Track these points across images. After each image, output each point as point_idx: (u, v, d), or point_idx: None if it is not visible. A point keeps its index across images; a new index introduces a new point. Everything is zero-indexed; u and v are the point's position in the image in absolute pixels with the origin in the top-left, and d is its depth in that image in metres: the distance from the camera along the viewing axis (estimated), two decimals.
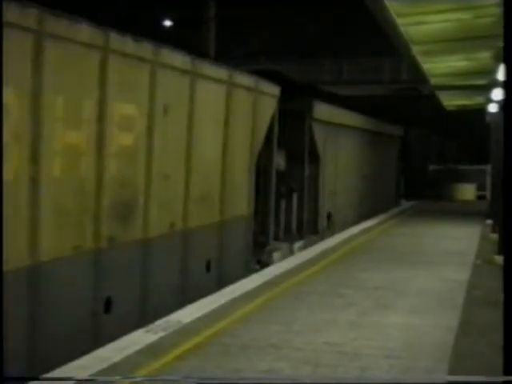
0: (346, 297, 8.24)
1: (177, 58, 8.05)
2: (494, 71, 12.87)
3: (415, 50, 12.32)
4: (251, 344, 6.13)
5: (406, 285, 9.20)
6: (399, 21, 9.92)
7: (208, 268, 9.12)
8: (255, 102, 10.53)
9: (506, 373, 3.53)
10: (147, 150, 7.42)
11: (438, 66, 14.76)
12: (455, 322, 7.12)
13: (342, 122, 15.92)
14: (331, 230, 14.86)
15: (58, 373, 5.26)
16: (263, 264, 10.96)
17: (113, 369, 5.34)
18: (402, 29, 10.47)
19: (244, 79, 10.24)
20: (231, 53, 26.84)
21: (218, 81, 9.23)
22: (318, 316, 7.25)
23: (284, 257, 11.63)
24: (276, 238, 12.14)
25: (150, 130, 7.45)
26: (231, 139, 9.68)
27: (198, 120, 8.62)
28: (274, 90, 11.40)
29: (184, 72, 8.21)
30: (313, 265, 10.54)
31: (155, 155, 7.56)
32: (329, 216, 14.94)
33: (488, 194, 23.87)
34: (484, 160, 25.15)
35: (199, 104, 8.60)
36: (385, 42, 13.89)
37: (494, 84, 14.13)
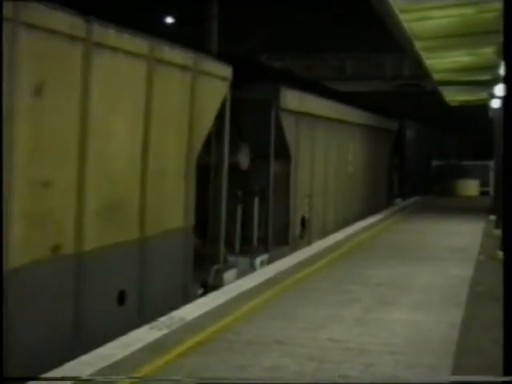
0: (350, 293, 8.23)
1: (56, 17, 5.76)
2: (496, 66, 12.86)
3: (418, 45, 12.31)
4: (256, 340, 6.13)
5: (409, 281, 9.19)
6: (402, 16, 9.92)
7: (121, 300, 6.96)
8: (194, 85, 8.20)
9: (506, 373, 3.53)
10: (7, 147, 5.14)
11: (441, 62, 14.75)
12: (459, 318, 7.12)
13: (321, 113, 13.75)
14: (306, 238, 12.87)
15: (60, 370, 5.26)
16: (210, 287, 8.85)
17: (116, 366, 5.35)
18: (405, 24, 10.47)
19: (175, 54, 7.77)
20: (233, 50, 26.79)
21: (133, 54, 6.94)
22: (322, 312, 7.25)
23: (242, 275, 9.63)
24: (233, 252, 10.20)
25: (9, 118, 5.20)
26: (156, 133, 7.42)
27: (99, 106, 6.39)
28: (222, 70, 9.05)
29: (72, 38, 5.96)
30: (314, 263, 10.54)
31: (21, 154, 5.41)
32: (303, 222, 12.83)
33: (491, 189, 23.83)
34: (487, 156, 25.10)
35: (100, 84, 6.37)
36: (387, 38, 13.86)
37: (497, 79, 14.11)
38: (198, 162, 8.47)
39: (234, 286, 8.50)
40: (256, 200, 10.92)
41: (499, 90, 14.70)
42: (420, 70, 16.99)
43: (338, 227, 15.01)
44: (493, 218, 16.19)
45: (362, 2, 11.66)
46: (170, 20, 28.77)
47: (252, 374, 5.27)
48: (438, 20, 10.54)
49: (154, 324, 6.58)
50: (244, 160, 10.56)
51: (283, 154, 11.63)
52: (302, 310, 7.34)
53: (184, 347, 5.86)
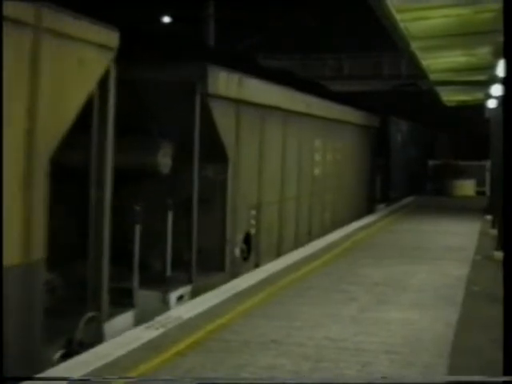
0: (346, 292, 8.25)
1: None
2: (493, 67, 12.88)
3: (415, 45, 12.33)
4: (252, 340, 6.14)
5: (405, 280, 9.21)
6: (399, 16, 9.93)
7: None
8: (37, 50, 5.42)
9: (506, 373, 3.54)
10: None
11: (438, 62, 14.78)
12: (455, 318, 7.14)
13: (274, 103, 10.92)
14: (253, 260, 10.29)
15: (58, 369, 5.27)
16: (79, 345, 6.09)
17: (113, 365, 5.35)
18: (402, 24, 10.48)
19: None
20: (230, 49, 26.79)
21: None
22: (319, 311, 7.26)
23: (149, 316, 6.84)
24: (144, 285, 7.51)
25: None
26: None
27: None
28: (99, 34, 6.22)
29: None
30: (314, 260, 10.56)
31: None
32: (247, 240, 10.09)
33: (487, 189, 23.89)
34: (483, 156, 25.16)
35: None
36: (385, 38, 13.88)
37: (494, 80, 14.14)
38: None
39: (230, 286, 8.51)
40: (169, 215, 8.08)
41: (496, 90, 14.75)
42: (417, 70, 17.01)
43: (299, 243, 12.22)
44: (489, 217, 16.24)
45: (359, 2, 11.68)
46: (167, 19, 28.78)
47: (249, 374, 5.28)
48: (435, 20, 10.56)
49: (150, 323, 6.58)
50: (164, 162, 8.24)
51: (217, 154, 9.03)
52: (298, 309, 7.35)
53: (180, 346, 5.87)
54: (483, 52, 13.21)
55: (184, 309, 7.26)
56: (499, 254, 10.26)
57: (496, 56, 12.02)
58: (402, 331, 6.59)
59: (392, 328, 6.69)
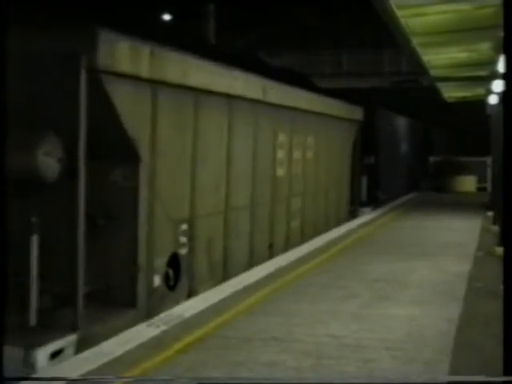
0: (347, 289, 8.25)
1: None
2: (494, 62, 12.85)
3: (415, 41, 12.29)
4: (253, 337, 6.14)
5: (407, 277, 9.21)
6: (399, 12, 9.90)
7: None
8: None
9: (506, 373, 3.53)
10: None
11: (438, 58, 14.74)
12: (456, 314, 7.13)
13: (213, 86, 8.56)
14: (184, 289, 8.01)
15: (59, 367, 5.27)
16: None
17: (115, 363, 5.36)
18: (402, 20, 10.44)
19: None
20: (230, 46, 26.79)
21: None
22: (320, 308, 7.26)
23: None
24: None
25: None
26: None
27: None
28: None
29: None
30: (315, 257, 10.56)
31: None
32: (175, 263, 7.81)
33: (489, 185, 23.87)
34: (484, 152, 25.13)
35: None
36: (385, 34, 13.86)
37: (495, 75, 14.11)
38: None
39: (230, 284, 8.51)
40: (34, 240, 5.87)
41: (497, 85, 14.72)
42: (417, 66, 16.98)
43: (256, 260, 10.16)
44: (490, 214, 16.22)
45: None
46: (167, 17, 28.76)
47: (249, 370, 5.27)
48: (435, 16, 10.52)
49: (152, 321, 6.58)
50: (46, 164, 6.18)
51: (125, 153, 6.89)
52: (298, 306, 7.35)
53: (182, 344, 5.87)
54: (484, 47, 13.18)
55: (186, 307, 7.26)
56: (501, 250, 10.25)
57: (497, 51, 11.99)
58: (403, 327, 6.59)
59: (393, 324, 6.69)
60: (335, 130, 15.33)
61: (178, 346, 5.81)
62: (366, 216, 17.01)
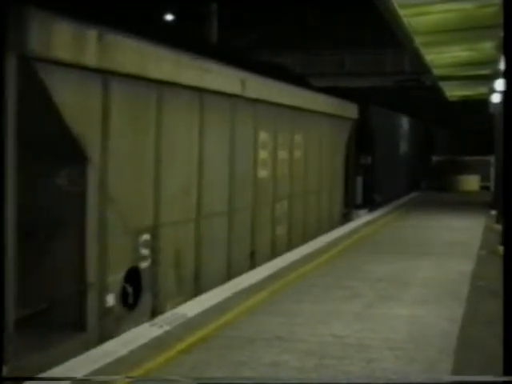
0: (350, 289, 8.24)
1: None
2: (497, 61, 12.84)
3: (418, 40, 12.28)
4: (256, 336, 6.14)
5: (410, 276, 9.20)
6: (401, 11, 9.89)
7: None
8: None
9: (506, 373, 3.53)
10: None
11: (441, 57, 14.72)
12: (459, 313, 7.12)
13: (179, 78, 7.63)
14: (145, 306, 7.11)
15: (63, 366, 5.27)
16: None
17: (118, 363, 5.36)
18: (405, 19, 10.44)
19: None
20: (232, 46, 26.81)
21: None
22: (323, 308, 7.26)
23: None
24: None
25: None
26: None
27: None
28: None
29: None
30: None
31: None
32: (133, 278, 6.91)
33: (492, 184, 23.84)
34: (488, 151, 25.09)
35: None
36: (387, 33, 13.84)
37: (497, 74, 14.09)
38: None
39: (234, 283, 8.51)
40: None
41: (499, 84, 14.70)
42: (420, 66, 16.96)
43: (235, 270, 9.22)
44: (493, 212, 16.20)
45: None
46: (169, 17, 28.78)
47: (252, 370, 5.27)
48: (438, 15, 10.52)
49: (155, 321, 6.59)
50: None
51: (71, 153, 6.05)
52: (301, 306, 7.35)
53: (185, 344, 5.87)
54: (487, 46, 13.16)
55: (189, 307, 7.26)
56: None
57: (499, 50, 11.96)
58: (406, 327, 6.58)
59: (396, 324, 6.68)
60: (327, 128, 14.32)
61: (180, 346, 5.81)
62: (367, 216, 16.90)
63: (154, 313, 7.12)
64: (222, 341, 6.02)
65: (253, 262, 10.03)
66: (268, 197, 10.94)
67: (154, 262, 7.29)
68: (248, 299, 7.59)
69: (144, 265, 7.10)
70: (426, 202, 21.68)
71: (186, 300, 7.55)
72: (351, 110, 16.14)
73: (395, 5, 9.44)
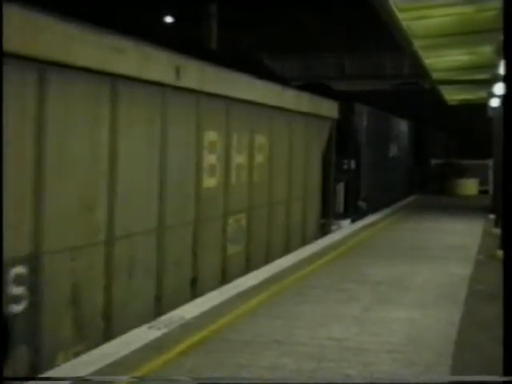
0: (349, 291, 8.24)
1: None
2: (496, 65, 12.86)
3: (417, 44, 12.31)
4: (255, 339, 6.14)
5: (408, 279, 9.20)
6: (401, 15, 9.92)
7: None
8: None
9: (506, 373, 3.53)
10: None
11: (440, 61, 14.76)
12: (458, 317, 7.13)
13: (67, 59, 5.79)
14: (21, 366, 5.41)
15: (61, 369, 5.27)
16: None
17: (116, 365, 5.36)
18: (404, 23, 10.47)
19: None
20: (232, 49, 26.84)
21: None
22: (321, 311, 7.26)
23: None
24: None
25: None
26: None
27: None
28: None
29: None
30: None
31: None
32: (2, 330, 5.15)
33: (490, 188, 23.86)
34: (486, 154, 25.12)
35: None
36: (387, 37, 13.86)
37: (496, 78, 14.11)
38: None
39: (232, 286, 8.51)
40: None
41: (498, 88, 14.72)
42: (419, 69, 16.98)
43: (165, 305, 7.42)
44: (492, 216, 16.21)
45: (361, 1, 11.67)
46: (169, 19, 28.82)
47: (251, 373, 5.27)
48: (437, 19, 10.54)
49: (153, 323, 6.59)
50: None
51: None
52: (300, 308, 7.35)
53: (183, 346, 5.87)
54: (486, 50, 13.19)
55: (187, 309, 7.26)
56: (502, 253, 10.23)
57: (499, 54, 11.99)
58: (404, 330, 6.58)
59: (394, 327, 6.68)
60: (299, 127, 12.43)
61: (179, 348, 5.81)
62: (369, 218, 16.86)
63: (37, 368, 5.49)
64: (220, 343, 6.01)
65: (194, 291, 8.23)
66: (217, 210, 9.03)
67: (34, 304, 5.51)
68: (247, 301, 7.58)
69: (16, 309, 5.35)
70: (425, 206, 21.69)
71: (90, 347, 5.94)
72: (330, 109, 14.22)
73: (394, 8, 9.47)
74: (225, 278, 9.12)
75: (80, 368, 5.24)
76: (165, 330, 6.33)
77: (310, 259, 10.62)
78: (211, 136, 8.81)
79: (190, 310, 7.13)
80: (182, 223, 8.09)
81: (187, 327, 6.47)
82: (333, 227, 14.68)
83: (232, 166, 9.51)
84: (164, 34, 11.12)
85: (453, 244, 12.84)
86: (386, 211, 19.16)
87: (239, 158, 9.77)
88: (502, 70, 12.04)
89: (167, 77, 7.47)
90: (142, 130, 7.20)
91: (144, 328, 6.44)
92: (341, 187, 15.95)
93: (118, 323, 6.62)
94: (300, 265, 10.08)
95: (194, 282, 8.34)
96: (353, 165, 16.75)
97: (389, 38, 13.33)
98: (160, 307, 7.39)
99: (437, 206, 21.61)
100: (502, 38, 9.64)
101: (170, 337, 6.14)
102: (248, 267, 9.90)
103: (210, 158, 8.80)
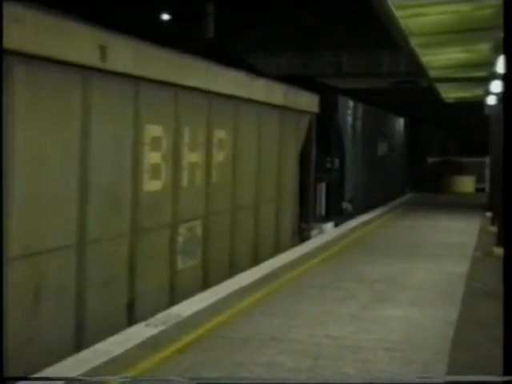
0: (345, 290, 8.24)
1: None
2: (493, 63, 12.86)
3: (414, 42, 12.30)
4: (252, 337, 6.13)
5: (405, 278, 9.20)
6: (398, 13, 9.91)
7: None
8: None
9: (506, 373, 3.53)
10: None
11: (437, 59, 14.75)
12: (455, 315, 7.13)
13: None
14: None
15: (56, 368, 5.26)
16: None
17: (113, 363, 5.35)
18: (401, 21, 10.46)
19: None
20: (230, 47, 26.82)
21: None
22: (318, 309, 7.25)
23: None
24: None
25: None
26: None
27: None
28: None
29: None
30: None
31: None
32: None
33: (487, 186, 23.90)
34: (483, 152, 25.15)
35: None
36: (384, 35, 13.86)
37: (493, 76, 14.12)
38: None
39: (229, 283, 8.50)
40: None
41: (495, 86, 14.72)
42: (416, 67, 16.98)
43: (89, 338, 6.18)
44: (489, 214, 16.23)
45: (359, 0, 11.64)
46: (166, 17, 28.77)
47: (248, 371, 5.27)
48: (434, 16, 10.54)
49: (150, 321, 6.57)
50: None
51: None
52: (297, 307, 7.34)
53: (180, 344, 5.86)
54: (483, 48, 13.19)
55: (184, 307, 7.24)
56: (499, 251, 10.25)
57: (496, 52, 11.99)
58: (401, 328, 6.58)
59: (392, 325, 6.68)
60: (270, 122, 11.09)
61: (176, 346, 5.80)
62: (366, 215, 16.84)
63: None
64: (217, 341, 6.00)
65: (132, 316, 7.00)
66: (163, 217, 7.70)
67: None
68: (244, 299, 7.57)
69: None
70: (421, 204, 21.71)
71: None
72: (310, 102, 12.80)
73: (392, 6, 9.45)
74: (174, 298, 7.72)
75: (76, 366, 5.23)
76: (162, 328, 6.31)
77: (306, 258, 10.60)
78: (154, 130, 7.47)
79: (187, 308, 7.11)
80: (112, 235, 6.74)
81: (184, 325, 6.45)
82: (313, 232, 13.26)
83: (183, 165, 8.12)
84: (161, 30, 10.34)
85: (450, 242, 12.85)
86: (383, 209, 19.16)
87: (193, 157, 8.37)
88: (498, 68, 12.04)
89: (89, 57, 6.17)
90: (50, 120, 5.87)
91: (141, 326, 6.42)
92: (322, 188, 14.75)
93: (18, 365, 5.20)
94: (297, 263, 10.07)
95: (130, 305, 6.98)
96: (336, 163, 15.43)
97: (386, 36, 13.32)
98: (81, 338, 6.19)
99: (434, 204, 21.63)
100: (498, 35, 9.66)
101: (167, 334, 6.13)
102: (206, 282, 8.53)
103: (153, 157, 7.45)
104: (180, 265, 8.05)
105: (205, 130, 8.74)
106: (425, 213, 18.64)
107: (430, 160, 29.72)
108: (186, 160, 8.20)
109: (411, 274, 9.45)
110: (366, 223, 15.57)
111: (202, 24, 25.87)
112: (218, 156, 9.15)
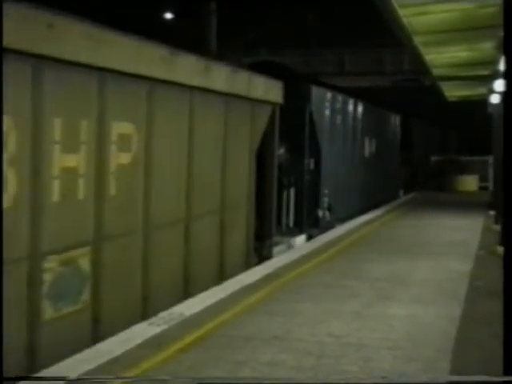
0: (349, 288, 8.23)
1: None
2: (496, 62, 12.85)
3: (417, 40, 12.29)
4: (254, 336, 6.12)
5: (408, 276, 9.19)
6: (401, 11, 9.90)
7: None
8: None
9: (506, 373, 3.52)
10: None
11: (441, 57, 14.73)
12: (458, 313, 7.12)
13: None
14: None
15: (58, 367, 5.25)
16: None
17: (115, 362, 5.34)
18: (404, 19, 10.44)
19: None
20: (231, 45, 26.80)
21: None
22: (321, 307, 7.25)
23: None
24: None
25: None
26: None
27: None
28: None
29: None
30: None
31: None
32: None
33: (490, 184, 23.86)
34: (486, 151, 25.10)
35: None
36: (387, 33, 13.83)
37: (497, 74, 14.10)
38: None
39: (232, 282, 8.49)
40: None
41: (498, 85, 14.69)
42: (419, 66, 16.95)
43: None
44: (492, 213, 16.20)
45: None
46: (168, 15, 28.78)
47: (251, 370, 5.26)
48: (438, 15, 10.52)
49: (152, 320, 6.58)
50: None
51: None
52: (300, 305, 7.33)
53: (183, 343, 5.86)
54: (486, 47, 13.16)
55: (187, 306, 7.24)
56: (502, 249, 10.23)
57: (499, 51, 11.97)
58: (404, 327, 6.57)
59: (394, 323, 6.67)
60: (210, 113, 8.67)
61: (178, 345, 5.80)
62: (368, 215, 16.79)
63: None
64: (220, 340, 6.00)
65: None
66: (15, 248, 5.28)
67: None
68: (246, 298, 7.57)
69: None
70: (426, 202, 21.67)
71: None
72: (270, 90, 10.39)
73: (395, 4, 9.44)
74: (35, 363, 5.48)
75: (78, 365, 5.23)
76: (164, 327, 6.32)
77: (309, 256, 10.59)
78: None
79: (190, 307, 7.11)
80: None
81: (187, 324, 6.45)
82: (277, 248, 11.00)
83: (52, 173, 5.64)
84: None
85: (453, 240, 12.83)
86: (385, 208, 19.11)
87: (69, 160, 5.88)
88: (502, 67, 12.02)
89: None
90: None
91: (144, 325, 6.43)
92: (291, 193, 12.62)
93: None
94: (300, 262, 10.05)
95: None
96: (311, 164, 13.21)
97: (389, 34, 13.28)
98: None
99: (437, 203, 21.59)
100: (502, 34, 9.63)
101: (170, 333, 6.12)
102: (98, 332, 6.25)
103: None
104: (49, 313, 5.69)
105: (93, 123, 6.19)
106: (428, 211, 18.60)
107: (432, 158, 29.67)
108: (55, 165, 5.70)
109: (414, 273, 9.43)
110: (367, 222, 15.52)
111: (205, 22, 25.84)
112: (118, 157, 6.60)
